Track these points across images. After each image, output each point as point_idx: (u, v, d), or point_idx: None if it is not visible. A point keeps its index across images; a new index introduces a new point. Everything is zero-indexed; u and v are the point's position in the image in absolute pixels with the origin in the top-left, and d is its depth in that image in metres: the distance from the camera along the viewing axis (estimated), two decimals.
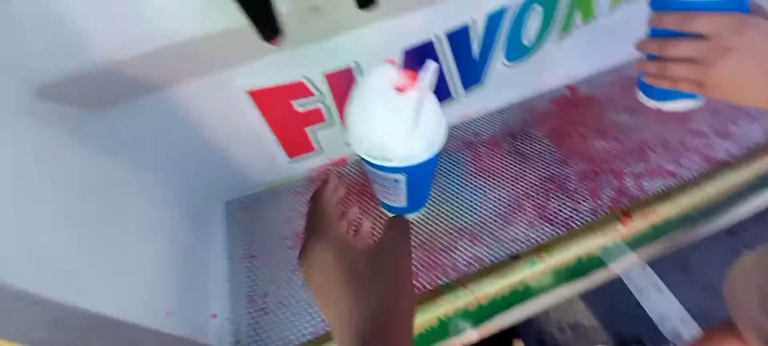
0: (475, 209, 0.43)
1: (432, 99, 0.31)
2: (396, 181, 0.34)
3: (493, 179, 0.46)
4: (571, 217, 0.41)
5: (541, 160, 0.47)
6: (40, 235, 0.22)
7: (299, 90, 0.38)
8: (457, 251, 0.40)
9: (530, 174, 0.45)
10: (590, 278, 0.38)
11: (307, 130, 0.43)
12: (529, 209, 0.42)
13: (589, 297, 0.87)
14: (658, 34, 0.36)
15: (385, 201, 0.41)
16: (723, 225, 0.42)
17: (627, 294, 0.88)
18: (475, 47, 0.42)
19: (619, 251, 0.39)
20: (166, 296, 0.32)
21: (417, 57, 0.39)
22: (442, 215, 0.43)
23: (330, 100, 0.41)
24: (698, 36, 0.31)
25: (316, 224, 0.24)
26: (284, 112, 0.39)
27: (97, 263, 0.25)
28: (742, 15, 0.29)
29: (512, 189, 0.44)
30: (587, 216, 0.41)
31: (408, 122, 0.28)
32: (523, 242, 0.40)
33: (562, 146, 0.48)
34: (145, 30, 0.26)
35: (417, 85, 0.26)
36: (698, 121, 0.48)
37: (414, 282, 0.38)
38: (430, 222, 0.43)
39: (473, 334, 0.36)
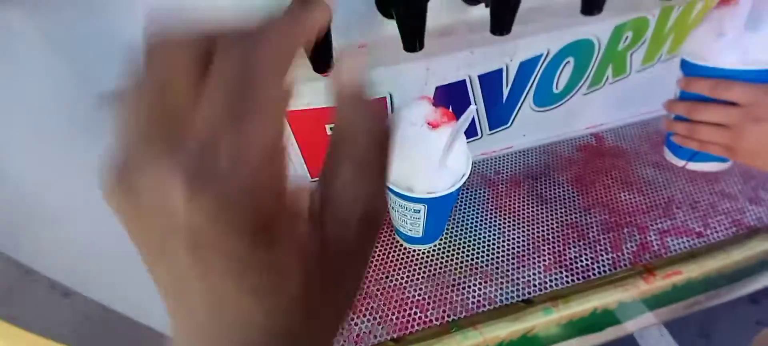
0: (491, 247, 0.43)
1: (461, 137, 0.33)
2: (416, 211, 0.35)
3: (511, 219, 0.46)
4: (590, 267, 0.40)
5: (562, 206, 0.46)
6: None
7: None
8: (469, 289, 0.40)
9: (550, 218, 0.45)
10: (603, 334, 0.37)
11: None
12: (546, 254, 0.42)
13: None
14: (687, 96, 0.37)
15: (402, 230, 0.41)
16: (746, 292, 0.41)
17: None
18: (505, 91, 0.44)
19: (636, 309, 0.38)
20: None
21: (448, 94, 0.41)
22: (456, 250, 0.43)
23: None
24: (727, 102, 0.32)
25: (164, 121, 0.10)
26: (316, 134, 0.41)
27: (120, 270, 0.27)
28: None
29: (530, 231, 0.44)
30: (607, 268, 0.40)
31: (437, 158, 0.29)
32: (537, 287, 0.39)
33: (584, 194, 0.47)
34: None
35: (455, 125, 0.27)
36: (729, 184, 0.47)
37: (421, 314, 0.38)
38: (443, 255, 0.43)
39: None
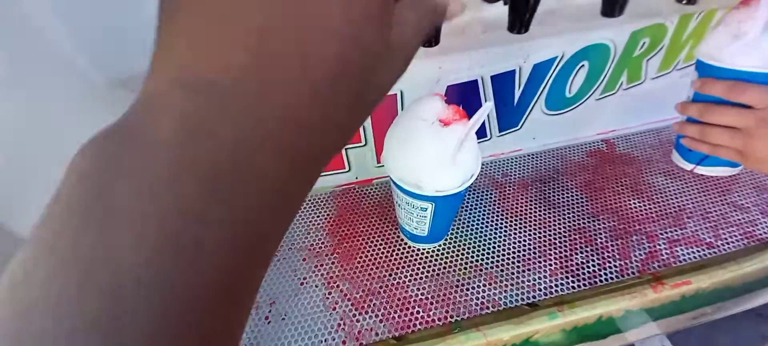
0: (496, 249, 0.43)
1: (473, 135, 0.32)
2: (423, 209, 0.35)
3: (518, 222, 0.45)
4: (597, 273, 0.40)
5: (570, 211, 0.46)
6: None
7: None
8: (472, 290, 0.39)
9: (557, 223, 0.45)
10: (604, 342, 0.37)
11: (343, 148, 0.45)
12: (552, 259, 0.41)
13: None
14: (701, 98, 0.36)
15: (407, 228, 0.41)
16: (752, 305, 0.40)
17: None
18: (517, 92, 0.43)
19: (639, 318, 0.37)
20: None
21: (459, 93, 0.41)
22: (461, 251, 0.43)
23: (368, 123, 0.42)
24: (742, 106, 0.31)
25: None
26: None
27: None
28: None
29: (537, 235, 0.44)
30: (614, 275, 0.40)
31: (448, 156, 0.28)
32: (542, 291, 0.39)
33: (593, 200, 0.47)
34: None
35: (470, 121, 0.27)
36: (741, 196, 0.46)
37: (424, 313, 0.38)
38: (447, 255, 0.42)
39: None
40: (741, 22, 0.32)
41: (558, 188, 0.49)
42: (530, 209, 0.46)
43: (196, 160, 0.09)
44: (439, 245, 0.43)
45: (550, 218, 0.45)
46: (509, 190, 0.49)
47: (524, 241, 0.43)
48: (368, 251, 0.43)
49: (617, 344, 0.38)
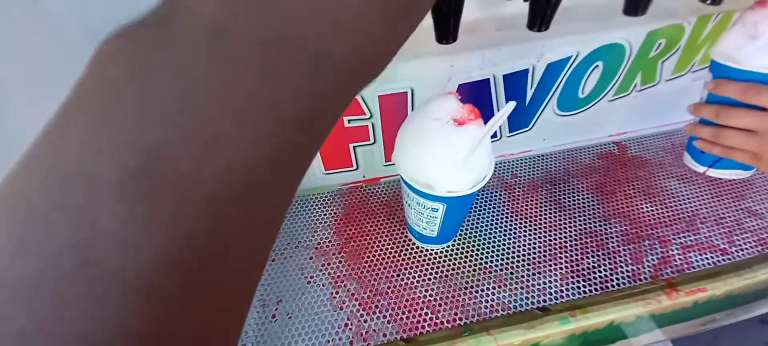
0: (505, 251, 0.42)
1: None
2: (434, 210, 0.34)
3: (528, 224, 0.44)
4: (609, 278, 0.39)
5: (581, 214, 0.45)
6: None
7: (353, 107, 0.39)
8: (482, 292, 0.39)
9: (567, 226, 0.44)
10: None
11: (350, 146, 0.44)
12: (563, 262, 0.41)
13: None
14: (715, 100, 0.36)
15: (415, 228, 0.40)
16: (760, 312, 0.39)
17: None
18: (529, 92, 0.42)
19: (644, 324, 0.37)
20: None
21: (470, 92, 0.40)
22: (470, 252, 0.42)
23: (377, 121, 0.41)
24: (757, 108, 0.31)
25: None
26: (334, 125, 0.40)
27: None
28: None
29: (546, 238, 0.43)
30: (625, 280, 0.39)
31: (462, 156, 0.28)
32: (553, 295, 0.38)
33: (604, 203, 0.46)
34: None
35: (491, 121, 0.26)
36: (756, 202, 0.45)
37: (432, 315, 0.37)
38: (456, 257, 0.42)
39: None
40: (758, 23, 0.32)
41: (568, 190, 0.48)
42: (540, 211, 0.46)
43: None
44: (448, 246, 0.43)
45: (560, 220, 0.45)
46: (519, 191, 0.48)
47: (534, 243, 0.43)
48: (375, 251, 0.43)
49: None
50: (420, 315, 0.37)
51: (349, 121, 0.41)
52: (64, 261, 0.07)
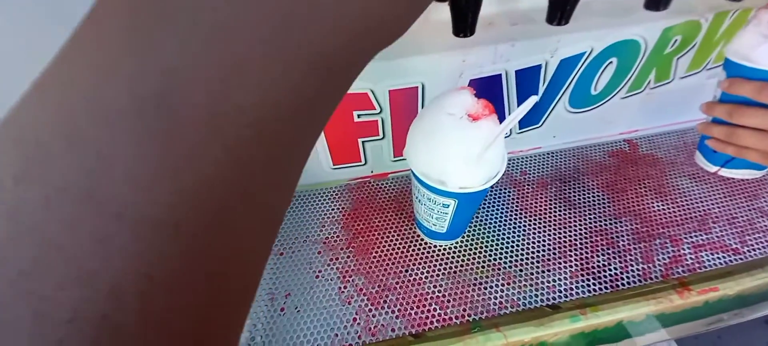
0: (514, 248, 0.42)
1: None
2: (445, 206, 0.34)
3: (537, 221, 0.44)
4: (619, 276, 0.39)
5: (591, 212, 0.45)
6: None
7: (363, 101, 0.38)
8: (490, 289, 0.39)
9: (577, 224, 0.44)
10: None
11: (359, 141, 0.44)
12: (572, 260, 0.41)
13: None
14: (729, 99, 0.36)
15: (425, 224, 0.40)
16: (763, 313, 0.39)
17: None
18: (541, 89, 0.42)
19: (649, 323, 0.37)
20: None
21: (481, 87, 0.40)
22: (478, 249, 0.42)
23: (387, 116, 0.41)
24: None
25: None
26: (343, 119, 0.40)
27: None
28: None
29: (556, 235, 0.43)
30: (636, 279, 0.39)
31: (476, 152, 0.27)
32: (562, 293, 0.38)
33: (615, 201, 0.46)
34: None
35: (511, 116, 0.26)
36: None
37: (441, 311, 0.37)
38: (464, 253, 0.42)
39: None
40: None
41: (578, 187, 0.47)
42: (550, 208, 0.45)
43: None
44: (456, 243, 0.43)
45: (570, 218, 0.44)
46: (528, 188, 0.48)
47: (543, 241, 0.42)
48: (384, 246, 0.43)
49: None
50: (428, 311, 0.37)
51: (358, 115, 0.40)
52: (71, 193, 0.07)
